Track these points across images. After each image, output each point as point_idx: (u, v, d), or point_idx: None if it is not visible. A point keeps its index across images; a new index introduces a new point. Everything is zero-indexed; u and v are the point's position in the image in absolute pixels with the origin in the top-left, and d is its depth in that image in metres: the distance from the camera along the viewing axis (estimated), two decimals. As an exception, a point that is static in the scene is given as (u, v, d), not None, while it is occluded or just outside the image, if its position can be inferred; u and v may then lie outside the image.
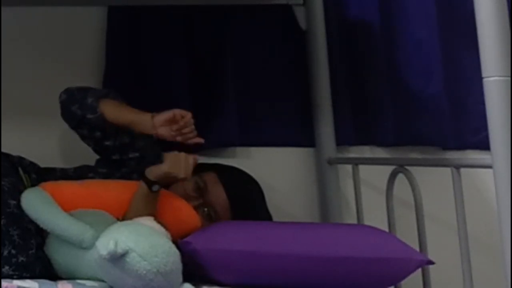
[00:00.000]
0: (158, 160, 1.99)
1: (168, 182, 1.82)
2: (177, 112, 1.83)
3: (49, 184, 1.84)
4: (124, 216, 1.76)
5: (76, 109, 1.90)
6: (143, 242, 1.55)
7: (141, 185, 1.79)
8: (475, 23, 1.45)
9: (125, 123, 1.88)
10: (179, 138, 1.83)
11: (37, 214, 1.70)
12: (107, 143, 1.95)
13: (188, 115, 1.83)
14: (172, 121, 1.82)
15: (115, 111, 1.89)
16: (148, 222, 1.65)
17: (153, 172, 1.79)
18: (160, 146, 2.07)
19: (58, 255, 1.71)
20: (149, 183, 1.78)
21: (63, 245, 1.69)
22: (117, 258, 1.52)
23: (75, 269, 1.69)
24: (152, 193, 1.78)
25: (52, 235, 1.71)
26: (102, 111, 1.88)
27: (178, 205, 1.85)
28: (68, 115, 1.94)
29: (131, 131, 1.91)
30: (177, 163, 1.78)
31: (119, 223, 1.67)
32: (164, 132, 1.83)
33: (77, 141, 1.99)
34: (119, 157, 1.97)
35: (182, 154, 1.80)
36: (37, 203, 1.71)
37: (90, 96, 1.90)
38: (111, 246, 1.51)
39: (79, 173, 1.96)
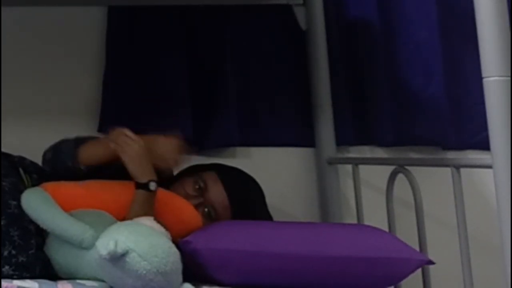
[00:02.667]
0: None
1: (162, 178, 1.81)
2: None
3: (50, 185, 1.84)
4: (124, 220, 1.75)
5: (64, 173, 1.88)
6: (143, 242, 1.55)
7: (137, 192, 1.78)
8: (475, 23, 1.45)
9: (109, 157, 1.84)
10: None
11: (37, 214, 1.70)
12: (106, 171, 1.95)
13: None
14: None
15: (93, 156, 1.87)
16: (147, 222, 1.65)
17: (131, 171, 1.78)
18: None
19: (58, 255, 1.71)
20: (145, 186, 1.77)
21: (63, 245, 1.69)
22: (117, 258, 1.52)
23: (75, 269, 1.69)
24: (151, 194, 1.78)
25: (52, 235, 1.71)
26: (83, 163, 1.86)
27: (180, 205, 1.85)
28: (63, 177, 1.90)
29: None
30: (165, 153, 1.79)
31: (118, 223, 1.67)
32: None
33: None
34: (120, 163, 1.96)
35: (170, 143, 1.82)
36: (37, 203, 1.71)
37: (67, 159, 1.88)
38: (111, 246, 1.51)
39: (79, 174, 1.96)
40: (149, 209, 1.76)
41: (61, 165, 1.88)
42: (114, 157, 1.82)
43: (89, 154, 1.87)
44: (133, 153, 1.78)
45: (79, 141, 1.90)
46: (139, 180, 1.78)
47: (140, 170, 1.78)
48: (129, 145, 1.79)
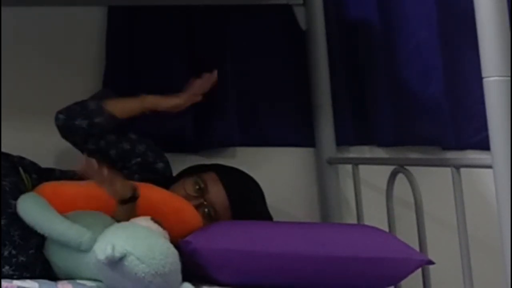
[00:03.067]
0: (160, 160, 2.00)
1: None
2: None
3: (49, 185, 1.84)
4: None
5: (80, 122, 1.92)
6: (141, 244, 1.54)
7: (119, 208, 1.74)
8: (475, 23, 1.45)
9: (137, 110, 1.96)
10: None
11: (33, 220, 1.69)
12: (111, 152, 1.96)
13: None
14: None
15: (121, 106, 1.95)
16: (144, 222, 1.64)
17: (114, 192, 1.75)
18: (160, 147, 2.07)
19: (57, 258, 1.71)
20: (126, 201, 1.74)
21: (61, 248, 1.68)
22: (115, 262, 1.51)
23: (74, 272, 1.68)
24: (129, 205, 1.75)
25: (50, 239, 1.70)
26: (109, 110, 1.91)
27: (180, 205, 1.85)
28: (72, 131, 1.94)
29: (129, 138, 1.95)
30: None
31: (116, 225, 1.66)
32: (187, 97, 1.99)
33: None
34: (122, 165, 1.97)
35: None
36: (33, 209, 1.71)
37: (90, 104, 1.94)
38: (108, 250, 1.50)
39: (79, 174, 1.95)
40: (134, 211, 1.75)
41: (82, 109, 1.93)
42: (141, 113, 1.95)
43: (123, 104, 1.97)
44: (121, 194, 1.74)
45: (108, 93, 2.02)
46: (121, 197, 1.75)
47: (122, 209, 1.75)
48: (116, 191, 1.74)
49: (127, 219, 1.70)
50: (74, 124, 1.93)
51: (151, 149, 2.01)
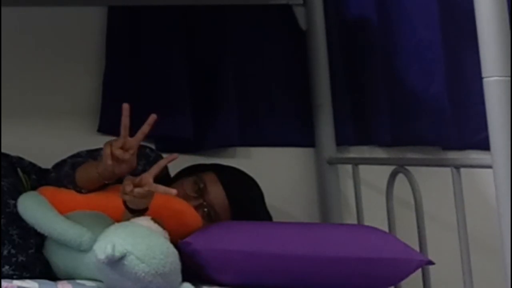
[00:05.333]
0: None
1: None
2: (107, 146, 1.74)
3: (49, 188, 1.84)
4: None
5: (67, 185, 1.86)
6: (141, 244, 1.54)
7: (126, 212, 1.73)
8: (475, 23, 1.45)
9: (101, 182, 1.81)
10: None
11: (34, 219, 1.69)
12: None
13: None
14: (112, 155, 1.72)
15: (88, 181, 1.82)
16: (145, 222, 1.64)
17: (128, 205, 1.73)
18: (160, 148, 2.07)
19: (57, 257, 1.71)
20: (132, 210, 1.72)
21: (61, 248, 1.68)
22: (115, 262, 1.51)
23: (74, 271, 1.69)
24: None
25: (50, 238, 1.70)
26: (83, 187, 1.82)
27: (182, 208, 1.84)
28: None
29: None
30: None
31: (116, 224, 1.66)
32: (120, 169, 1.73)
33: (77, 142, 1.99)
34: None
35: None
36: (34, 208, 1.71)
37: (68, 184, 1.84)
38: (108, 250, 1.50)
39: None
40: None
41: (64, 186, 1.86)
42: (109, 180, 1.79)
43: (84, 179, 1.82)
44: (141, 205, 1.71)
45: (75, 165, 1.86)
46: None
47: (137, 207, 1.73)
48: (140, 201, 1.70)
49: None
50: (63, 184, 1.87)
51: (149, 162, 1.97)
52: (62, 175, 1.87)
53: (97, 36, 2.27)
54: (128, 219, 1.69)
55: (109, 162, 1.70)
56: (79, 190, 1.83)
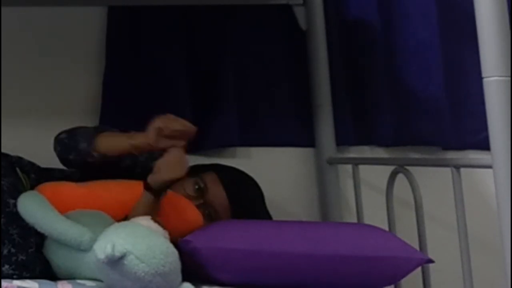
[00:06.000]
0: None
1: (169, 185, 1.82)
2: (161, 120, 1.79)
3: (49, 185, 1.84)
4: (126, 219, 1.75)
5: (74, 157, 1.88)
6: (141, 244, 1.54)
7: (146, 194, 1.77)
8: (475, 23, 1.45)
9: (125, 151, 1.84)
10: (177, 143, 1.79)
11: (33, 219, 1.69)
12: (113, 172, 1.94)
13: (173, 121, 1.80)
14: (160, 130, 1.78)
15: (111, 146, 1.84)
16: (144, 221, 1.64)
17: (153, 181, 1.77)
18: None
19: (57, 257, 1.71)
20: (155, 192, 1.77)
21: (61, 247, 1.68)
22: (115, 262, 1.51)
23: (74, 271, 1.69)
24: (157, 199, 1.77)
25: (50, 238, 1.70)
26: (99, 151, 1.84)
27: (183, 205, 1.85)
28: (69, 164, 1.91)
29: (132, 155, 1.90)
30: (172, 166, 1.76)
31: (116, 224, 1.65)
32: (164, 144, 1.79)
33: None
34: (127, 175, 1.96)
35: (173, 155, 1.77)
36: (34, 208, 1.71)
37: (82, 141, 1.86)
38: (108, 249, 1.50)
39: (78, 174, 1.96)
40: (153, 211, 1.76)
41: (74, 146, 1.87)
42: (128, 153, 1.83)
43: (107, 143, 1.85)
44: (173, 177, 1.76)
45: (99, 129, 1.90)
46: (154, 186, 1.77)
47: (163, 185, 1.77)
48: (175, 168, 1.76)
49: (145, 212, 1.71)
50: (68, 158, 1.89)
51: (152, 157, 1.98)
52: (79, 132, 1.89)
53: (97, 36, 2.28)
54: (143, 204, 1.71)
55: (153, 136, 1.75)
56: (88, 152, 1.83)
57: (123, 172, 1.93)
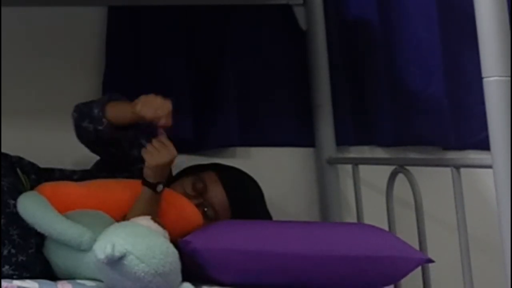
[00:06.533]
0: None
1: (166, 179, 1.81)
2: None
3: (49, 185, 1.84)
4: (126, 219, 1.75)
5: (87, 125, 1.88)
6: (141, 244, 1.54)
7: (144, 190, 1.78)
8: (475, 23, 1.45)
9: (128, 119, 1.84)
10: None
11: (33, 219, 1.69)
12: (121, 159, 1.95)
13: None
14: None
15: (116, 113, 1.85)
16: (144, 221, 1.64)
17: (146, 171, 1.78)
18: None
19: (57, 257, 1.71)
20: (153, 186, 1.77)
21: (61, 247, 1.69)
22: (115, 262, 1.51)
23: (74, 271, 1.69)
24: (156, 194, 1.78)
25: (50, 238, 1.70)
26: (107, 118, 1.84)
27: (182, 203, 1.85)
28: (81, 133, 1.91)
29: (139, 144, 1.89)
30: (157, 152, 1.77)
31: (115, 224, 1.66)
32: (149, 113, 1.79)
33: (77, 142, 1.99)
34: (125, 168, 1.96)
35: (156, 141, 1.78)
36: (34, 208, 1.71)
37: (95, 107, 1.87)
38: (108, 249, 1.50)
39: (78, 174, 1.96)
40: (153, 209, 1.76)
41: (87, 112, 1.87)
42: (136, 121, 1.83)
43: (114, 110, 1.85)
44: (161, 162, 1.77)
45: (112, 97, 1.90)
46: (150, 180, 1.78)
47: (156, 174, 1.78)
48: (161, 153, 1.77)
49: (145, 209, 1.71)
50: (82, 125, 1.89)
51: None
52: (94, 101, 1.90)
53: (97, 36, 2.27)
54: (142, 202, 1.71)
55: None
56: (99, 118, 1.84)
57: (130, 166, 1.94)
